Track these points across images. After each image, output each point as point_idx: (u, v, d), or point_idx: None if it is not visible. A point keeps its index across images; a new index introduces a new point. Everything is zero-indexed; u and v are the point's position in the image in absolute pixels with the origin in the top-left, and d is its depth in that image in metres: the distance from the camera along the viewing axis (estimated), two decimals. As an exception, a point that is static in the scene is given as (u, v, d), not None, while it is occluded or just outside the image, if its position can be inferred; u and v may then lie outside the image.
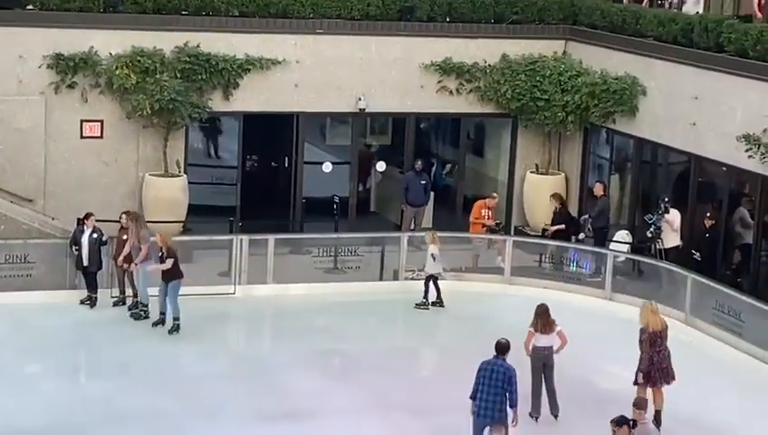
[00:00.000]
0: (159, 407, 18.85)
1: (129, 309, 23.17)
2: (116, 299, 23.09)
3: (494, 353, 16.83)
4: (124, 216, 23.54)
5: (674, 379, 18.69)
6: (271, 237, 25.87)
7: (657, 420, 18.24)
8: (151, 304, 23.05)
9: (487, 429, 15.11)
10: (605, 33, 30.26)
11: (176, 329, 22.13)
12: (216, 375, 20.58)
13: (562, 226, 27.84)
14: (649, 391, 17.59)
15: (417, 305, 24.67)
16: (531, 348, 19.21)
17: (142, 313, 22.70)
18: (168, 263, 22.08)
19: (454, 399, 18.47)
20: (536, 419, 18.36)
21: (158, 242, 22.52)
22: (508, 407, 16.43)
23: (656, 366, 18.67)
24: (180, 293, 23.29)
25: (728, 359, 21.47)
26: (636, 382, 18.29)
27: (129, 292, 23.59)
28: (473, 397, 16.84)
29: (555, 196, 27.74)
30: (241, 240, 25.57)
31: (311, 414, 18.71)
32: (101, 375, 20.40)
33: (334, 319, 24.25)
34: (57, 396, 19.30)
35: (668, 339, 19.16)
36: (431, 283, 24.71)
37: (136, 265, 22.84)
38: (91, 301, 23.09)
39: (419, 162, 30.25)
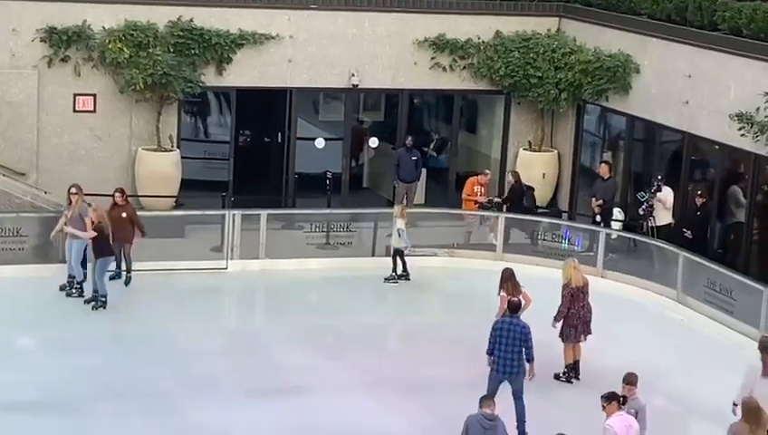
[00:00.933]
0: (150, 382, 19.06)
1: (62, 288, 23.21)
2: (111, 273, 22.98)
3: (509, 313, 17.85)
4: (117, 193, 23.57)
5: (590, 333, 19.86)
6: (263, 213, 26.16)
7: (576, 370, 19.64)
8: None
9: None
10: (599, 11, 30.54)
11: (101, 305, 22.21)
12: (208, 351, 20.83)
13: (499, 199, 28.73)
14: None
15: (386, 280, 25.04)
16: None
17: (74, 291, 22.81)
18: (82, 232, 22.23)
19: (444, 375, 20.09)
20: None
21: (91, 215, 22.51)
22: (525, 361, 17.40)
23: (581, 320, 19.61)
24: (172, 267, 24.49)
25: (719, 337, 21.73)
26: (564, 340, 19.34)
27: (123, 265, 23.70)
28: (490, 352, 17.69)
29: (513, 173, 28.01)
30: (233, 215, 25.78)
31: (303, 390, 18.89)
32: (93, 349, 20.65)
33: (326, 295, 24.82)
34: (47, 370, 19.41)
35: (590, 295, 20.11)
36: (397, 257, 25.13)
37: (56, 231, 23.11)
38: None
39: (410, 138, 30.47)
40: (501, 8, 31.46)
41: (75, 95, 28.11)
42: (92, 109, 28.32)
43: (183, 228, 27.12)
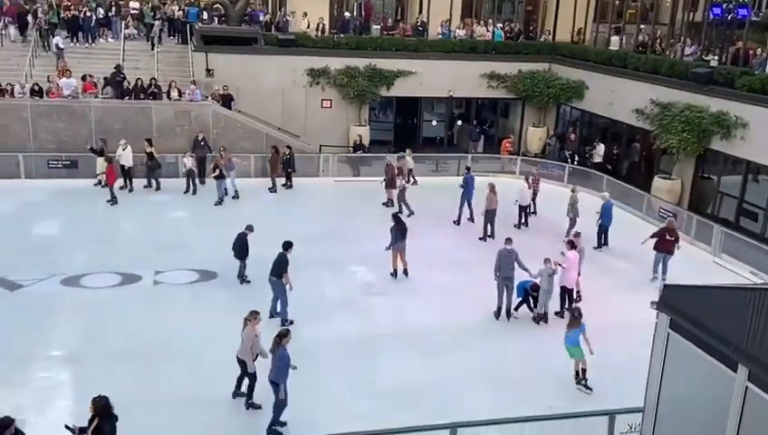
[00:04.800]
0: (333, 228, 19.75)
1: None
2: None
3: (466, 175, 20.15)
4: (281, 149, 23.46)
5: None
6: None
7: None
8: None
9: None
10: (569, 59, 30.06)
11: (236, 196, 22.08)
12: (375, 214, 21.22)
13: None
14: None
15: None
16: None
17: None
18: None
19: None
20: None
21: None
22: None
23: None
24: (364, 180, 24.57)
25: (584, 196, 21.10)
26: None
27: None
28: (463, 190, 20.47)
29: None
30: (393, 155, 25.50)
31: (419, 233, 18.46)
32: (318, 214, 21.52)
33: (438, 192, 23.45)
34: (300, 226, 19.49)
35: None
36: (410, 173, 24.23)
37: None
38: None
39: (459, 121, 31.51)
40: (522, 58, 30.45)
41: (322, 100, 28.65)
42: (330, 106, 28.76)
43: (370, 161, 26.85)
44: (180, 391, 11.69)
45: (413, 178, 24.45)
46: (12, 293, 14.90)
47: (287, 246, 14.21)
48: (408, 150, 25.27)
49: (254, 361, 11.09)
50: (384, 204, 22.18)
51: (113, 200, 21.25)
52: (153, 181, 22.88)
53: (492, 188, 19.76)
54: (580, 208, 19.93)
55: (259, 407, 11.19)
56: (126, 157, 22.41)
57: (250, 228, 15.92)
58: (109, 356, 12.60)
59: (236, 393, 11.56)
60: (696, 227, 20.27)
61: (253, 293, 15.36)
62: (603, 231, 19.31)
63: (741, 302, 7.58)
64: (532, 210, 21.69)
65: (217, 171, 21.84)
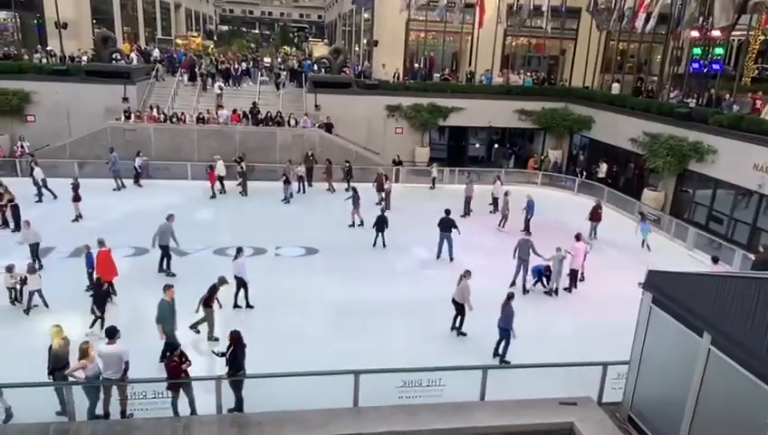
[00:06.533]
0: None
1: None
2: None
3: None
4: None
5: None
6: (456, 168, 25.83)
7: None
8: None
9: None
10: (581, 99, 28.50)
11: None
12: (423, 208, 19.47)
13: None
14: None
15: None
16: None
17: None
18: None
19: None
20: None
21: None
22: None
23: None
24: (417, 186, 23.69)
25: (576, 199, 20.58)
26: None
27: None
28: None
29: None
30: (441, 169, 25.46)
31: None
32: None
33: (478, 197, 21.52)
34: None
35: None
36: (434, 181, 24.44)
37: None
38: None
39: (496, 145, 30.56)
40: (544, 99, 28.53)
41: (395, 127, 27.96)
42: (402, 132, 28.04)
43: (424, 171, 25.53)
44: (291, 329, 11.82)
45: (434, 184, 24.75)
46: (181, 258, 15.20)
47: (448, 212, 15.79)
48: (434, 163, 25.53)
49: (463, 304, 11.58)
50: (377, 204, 20.89)
51: (213, 195, 21.14)
52: (243, 187, 21.93)
53: (471, 180, 21.14)
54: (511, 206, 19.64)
55: (465, 334, 11.55)
56: (219, 167, 21.83)
57: (383, 211, 17.15)
58: (244, 304, 12.74)
59: (453, 327, 11.76)
60: (675, 228, 19.58)
61: (347, 263, 15.27)
62: (526, 220, 19.17)
63: (708, 285, 7.34)
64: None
65: (284, 178, 21.21)
